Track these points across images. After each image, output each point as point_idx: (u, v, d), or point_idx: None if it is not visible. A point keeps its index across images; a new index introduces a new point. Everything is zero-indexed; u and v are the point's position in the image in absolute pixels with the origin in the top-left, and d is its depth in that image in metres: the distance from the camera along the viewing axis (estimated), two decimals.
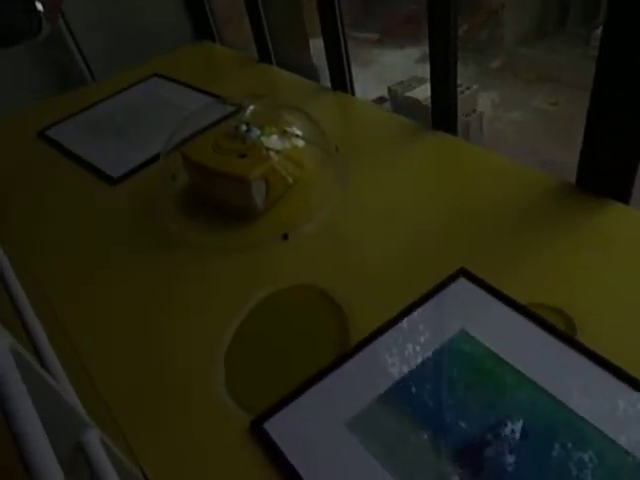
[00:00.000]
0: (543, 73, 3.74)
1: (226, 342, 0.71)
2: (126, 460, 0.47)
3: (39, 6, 0.86)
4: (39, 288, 0.85)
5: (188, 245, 0.87)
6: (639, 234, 0.73)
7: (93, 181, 1.08)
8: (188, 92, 1.31)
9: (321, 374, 0.63)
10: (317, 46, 1.47)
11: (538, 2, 4.02)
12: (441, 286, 0.70)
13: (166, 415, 0.65)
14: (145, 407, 0.66)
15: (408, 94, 2.96)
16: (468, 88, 2.86)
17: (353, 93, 1.19)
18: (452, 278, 0.71)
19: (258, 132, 0.88)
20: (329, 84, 1.21)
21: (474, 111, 3.05)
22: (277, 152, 0.88)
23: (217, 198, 0.92)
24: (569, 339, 0.61)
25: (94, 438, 0.41)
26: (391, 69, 3.85)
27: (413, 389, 0.60)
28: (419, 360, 0.62)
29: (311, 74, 1.38)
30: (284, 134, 0.92)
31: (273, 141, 0.89)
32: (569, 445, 0.52)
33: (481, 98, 3.26)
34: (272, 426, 0.59)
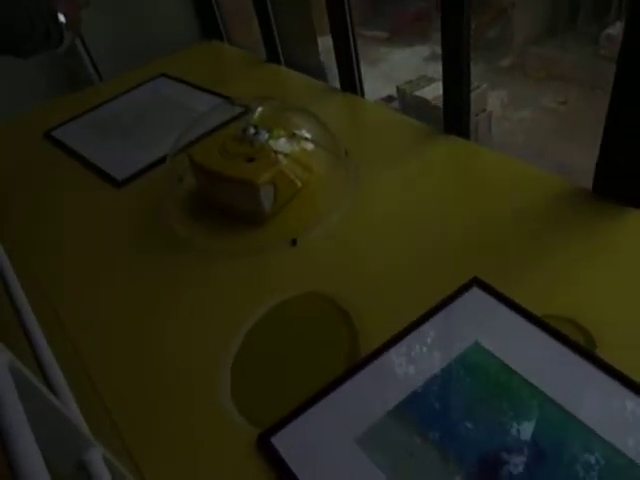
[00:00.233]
0: (553, 72, 3.71)
1: (233, 351, 0.69)
2: (130, 476, 0.46)
3: (61, 18, 0.86)
4: (40, 289, 0.84)
5: (194, 249, 0.86)
6: None
7: (98, 183, 1.07)
8: (195, 92, 1.30)
9: (331, 386, 0.61)
10: (325, 44, 1.45)
11: (548, 0, 3.99)
12: (454, 296, 0.68)
13: (170, 427, 0.63)
14: (148, 418, 0.65)
15: (417, 93, 2.94)
16: (478, 87, 2.84)
17: (363, 94, 1.17)
18: (465, 288, 0.69)
19: (266, 135, 0.86)
20: (337, 83, 1.19)
21: (483, 110, 3.02)
22: (285, 156, 0.86)
23: (224, 202, 0.90)
24: (587, 353, 0.59)
25: (97, 456, 0.40)
26: (400, 68, 3.83)
27: (425, 404, 0.58)
28: (431, 373, 0.60)
29: (319, 72, 1.37)
30: (293, 137, 0.90)
31: (281, 144, 0.87)
32: (590, 469, 0.50)
33: (490, 97, 3.23)
34: (280, 441, 0.57)
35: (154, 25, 1.49)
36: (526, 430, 0.54)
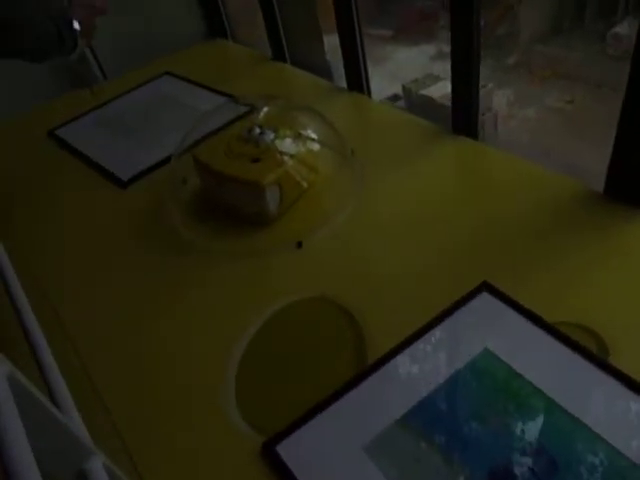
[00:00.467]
0: (558, 70, 3.68)
1: (237, 355, 0.68)
2: None
3: (76, 25, 0.87)
4: (41, 289, 0.83)
5: (198, 250, 0.85)
6: None
7: (102, 182, 1.06)
8: (200, 91, 1.29)
9: (337, 394, 0.60)
10: (330, 42, 1.44)
11: None
12: (463, 301, 0.67)
13: (172, 433, 0.62)
14: (149, 422, 0.64)
15: (423, 92, 2.91)
16: (484, 86, 2.81)
17: (369, 94, 1.15)
18: (474, 292, 0.67)
19: (272, 135, 0.85)
20: (343, 81, 1.17)
21: (489, 109, 3.00)
22: (291, 156, 0.85)
23: (229, 203, 0.89)
24: (599, 360, 0.57)
25: (97, 465, 0.40)
26: (405, 66, 3.80)
27: (434, 412, 0.57)
28: (441, 381, 0.59)
29: (325, 71, 1.35)
30: (298, 137, 0.89)
31: (287, 145, 0.86)
32: None
33: (496, 96, 3.21)
34: (285, 449, 0.56)
35: (159, 23, 1.48)
36: (537, 439, 0.53)
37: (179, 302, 0.78)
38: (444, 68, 3.63)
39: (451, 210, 0.82)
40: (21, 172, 1.15)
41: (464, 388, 0.58)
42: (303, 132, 0.90)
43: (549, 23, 3.94)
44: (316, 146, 0.90)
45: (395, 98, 3.16)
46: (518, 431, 0.54)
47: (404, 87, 3.09)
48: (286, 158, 0.84)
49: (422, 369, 0.61)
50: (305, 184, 0.87)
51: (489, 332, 0.63)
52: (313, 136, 0.91)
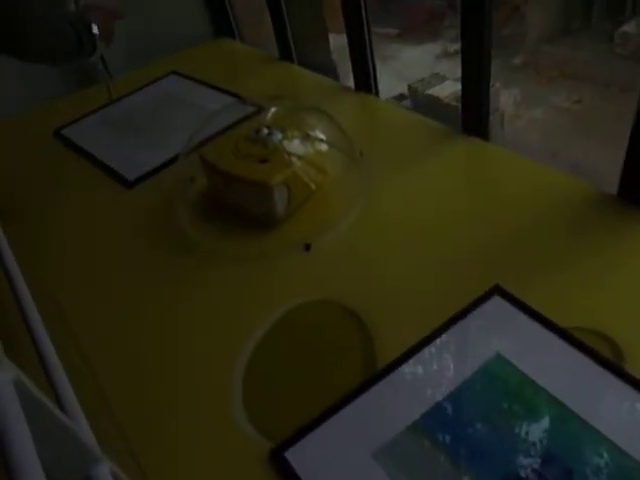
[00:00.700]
0: (565, 70, 3.66)
1: (244, 359, 0.67)
2: None
3: (95, 29, 0.90)
4: (45, 289, 0.82)
5: (204, 251, 0.84)
6: None
7: (108, 182, 1.05)
8: (206, 90, 1.28)
9: (346, 399, 0.59)
10: (335, 42, 1.43)
11: None
12: (474, 305, 0.65)
13: (178, 437, 0.61)
14: (155, 426, 0.63)
15: (429, 92, 2.90)
16: (491, 86, 2.80)
17: (377, 94, 1.14)
18: (486, 296, 0.66)
19: (280, 136, 0.84)
20: (348, 81, 1.16)
21: (496, 109, 2.98)
22: (299, 157, 0.84)
23: (236, 203, 0.88)
24: (614, 366, 0.56)
25: (104, 471, 0.39)
26: (411, 65, 3.79)
27: (445, 418, 0.56)
28: (452, 386, 0.58)
29: (330, 71, 1.35)
30: (306, 138, 0.88)
31: (295, 145, 0.85)
32: None
33: (502, 96, 3.19)
34: (294, 455, 0.55)
35: (165, 22, 1.47)
36: (550, 447, 0.52)
37: (185, 303, 0.77)
38: (449, 67, 3.62)
39: (462, 212, 0.81)
40: (27, 172, 1.15)
41: (476, 394, 0.57)
42: (311, 133, 0.89)
43: (556, 23, 3.92)
44: (324, 147, 0.89)
45: (401, 97, 3.15)
46: (531, 438, 0.53)
47: (410, 87, 3.08)
48: (294, 159, 0.83)
49: (433, 374, 0.60)
50: (313, 185, 0.86)
51: (501, 337, 0.62)
52: (321, 137, 0.90)
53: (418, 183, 0.88)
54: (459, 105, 0.98)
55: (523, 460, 0.52)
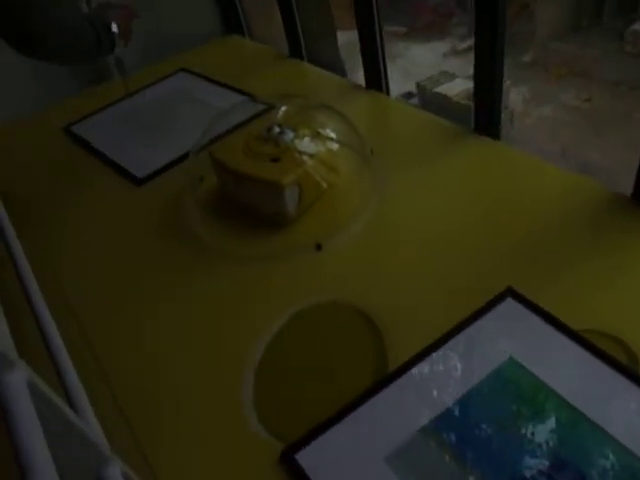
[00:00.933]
0: (574, 68, 3.64)
1: (255, 360, 0.67)
2: None
3: (114, 27, 0.92)
4: (54, 285, 0.82)
5: (214, 250, 0.84)
6: None
7: (118, 180, 1.05)
8: (216, 88, 1.27)
9: (358, 401, 0.58)
10: (341, 39, 1.42)
11: None
12: (487, 307, 0.65)
13: (189, 438, 0.61)
14: (166, 426, 0.63)
15: (437, 90, 2.89)
16: None
17: (388, 92, 1.13)
18: (499, 298, 0.66)
19: (291, 135, 0.84)
20: (354, 78, 1.15)
21: (505, 107, 2.97)
22: (311, 156, 0.84)
23: (247, 202, 0.88)
24: (630, 372, 0.56)
25: (115, 472, 0.39)
26: (418, 63, 3.78)
27: (458, 422, 0.55)
28: (465, 389, 0.58)
29: (339, 68, 1.34)
30: (318, 136, 0.87)
31: (306, 144, 0.85)
32: None
33: (512, 93, 3.17)
34: (304, 458, 0.55)
35: (175, 19, 1.47)
36: (563, 451, 0.52)
37: (195, 303, 0.77)
38: (457, 65, 3.60)
39: (474, 214, 0.80)
40: (36, 169, 1.15)
41: (489, 398, 0.57)
42: (322, 131, 0.89)
43: (566, 21, 3.89)
44: (335, 146, 0.89)
45: (409, 96, 3.14)
46: (544, 443, 0.52)
47: (418, 85, 3.07)
48: (305, 158, 0.83)
49: (445, 377, 0.60)
50: (325, 184, 0.85)
51: (514, 340, 0.62)
52: (332, 135, 0.89)
53: (430, 183, 0.87)
54: (470, 103, 0.97)
55: (535, 464, 0.51)
